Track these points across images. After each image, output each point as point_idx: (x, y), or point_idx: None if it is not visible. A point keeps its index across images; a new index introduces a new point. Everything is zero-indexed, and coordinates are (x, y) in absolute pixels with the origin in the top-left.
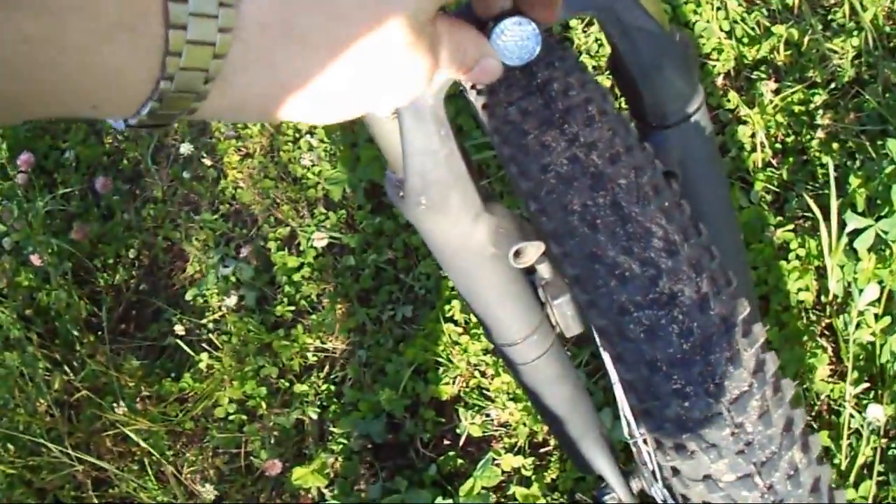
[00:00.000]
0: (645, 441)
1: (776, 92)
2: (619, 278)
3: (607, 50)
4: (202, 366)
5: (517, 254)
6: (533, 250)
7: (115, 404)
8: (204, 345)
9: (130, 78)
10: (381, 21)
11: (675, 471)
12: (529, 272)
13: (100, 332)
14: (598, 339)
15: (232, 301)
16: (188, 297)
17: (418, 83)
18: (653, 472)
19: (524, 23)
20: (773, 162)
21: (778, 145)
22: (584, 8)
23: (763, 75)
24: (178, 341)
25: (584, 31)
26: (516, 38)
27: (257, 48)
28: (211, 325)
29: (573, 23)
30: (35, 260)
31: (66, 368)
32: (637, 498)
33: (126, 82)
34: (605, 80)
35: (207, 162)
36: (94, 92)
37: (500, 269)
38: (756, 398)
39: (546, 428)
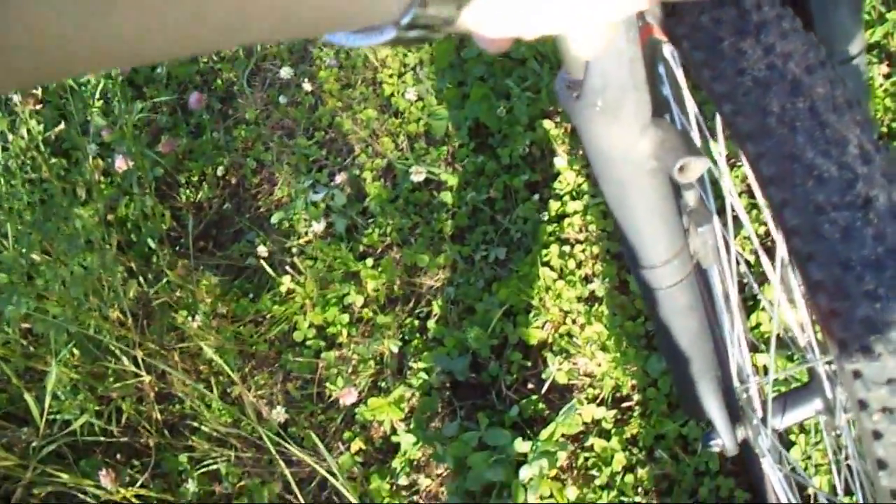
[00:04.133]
0: (760, 389)
1: (887, 76)
2: (817, 179)
3: None
4: (283, 289)
5: (682, 168)
6: (699, 165)
7: (189, 318)
8: (287, 268)
9: None
10: None
11: (857, 374)
12: (678, 196)
13: (178, 248)
14: (728, 275)
15: (320, 227)
16: (273, 220)
17: None
18: (762, 420)
19: None
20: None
21: (884, 129)
22: None
23: (874, 59)
24: (261, 262)
25: None
26: None
27: None
28: (295, 250)
29: None
30: (120, 164)
31: (142, 279)
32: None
33: None
34: None
35: (307, 87)
36: None
37: (656, 186)
38: None
39: (631, 382)
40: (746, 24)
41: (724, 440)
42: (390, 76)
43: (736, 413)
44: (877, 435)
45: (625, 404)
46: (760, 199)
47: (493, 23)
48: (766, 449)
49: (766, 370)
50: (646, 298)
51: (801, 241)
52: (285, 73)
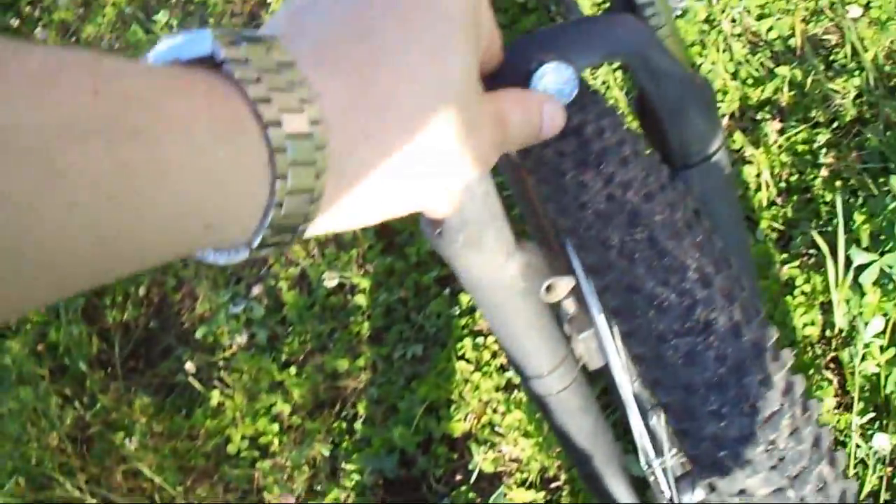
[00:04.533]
0: (663, 470)
1: (780, 132)
2: (658, 308)
3: (615, 94)
4: (213, 403)
5: (548, 288)
6: (563, 285)
7: (126, 440)
8: (215, 382)
9: (238, 190)
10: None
11: (712, 487)
12: (555, 308)
13: (110, 369)
14: (618, 370)
15: (243, 339)
16: (198, 335)
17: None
18: (670, 500)
19: (563, 67)
20: (778, 201)
21: (783, 184)
22: (615, 52)
23: (767, 115)
24: (189, 378)
25: (592, 76)
26: (556, 83)
27: (347, 145)
28: (222, 363)
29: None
30: None
31: (78, 404)
32: None
33: (236, 195)
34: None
35: None
36: (204, 209)
37: (529, 304)
38: (787, 417)
39: (557, 463)
40: (587, 154)
41: None
42: None
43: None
44: None
45: (553, 485)
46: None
47: (344, 223)
48: None
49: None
50: (538, 406)
51: (647, 369)
52: None
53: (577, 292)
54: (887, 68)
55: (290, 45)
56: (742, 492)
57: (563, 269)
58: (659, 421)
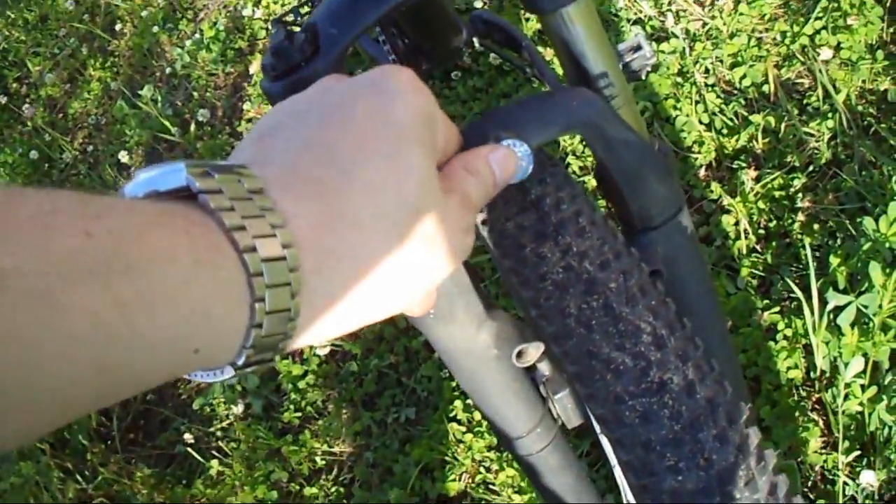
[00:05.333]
0: None
1: (757, 179)
2: (614, 372)
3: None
4: (213, 472)
5: (519, 354)
6: (533, 351)
7: None
8: (213, 452)
9: (221, 314)
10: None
11: None
12: (530, 370)
13: (109, 442)
14: (596, 427)
15: (239, 409)
16: (195, 406)
17: (467, 239)
18: None
19: (518, 144)
20: (758, 247)
21: (761, 231)
22: (570, 126)
23: (743, 164)
24: (188, 449)
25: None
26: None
27: (319, 259)
28: (219, 433)
29: None
30: None
31: (79, 477)
32: None
33: (220, 319)
34: (592, 181)
35: None
36: (191, 334)
37: (503, 369)
38: (742, 468)
39: None
40: (545, 226)
41: None
42: None
43: None
44: None
45: None
46: None
47: (322, 336)
48: None
49: None
50: (522, 466)
51: (607, 429)
52: None
53: (551, 354)
54: (860, 108)
55: (259, 172)
56: None
57: (531, 338)
58: None
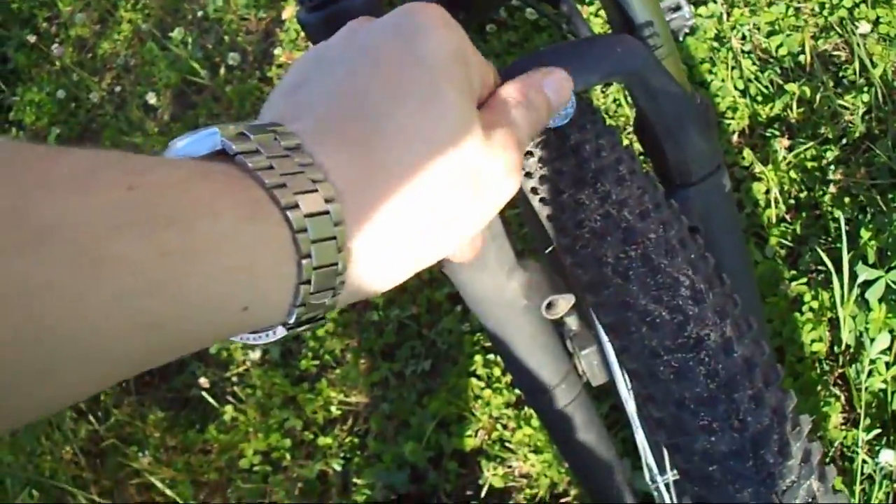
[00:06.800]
0: (667, 486)
1: (789, 149)
2: (650, 325)
3: (625, 111)
4: (227, 418)
5: (549, 306)
6: (563, 303)
7: (140, 454)
8: (228, 397)
9: (268, 271)
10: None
11: (700, 499)
12: (558, 324)
13: (124, 384)
14: (620, 387)
15: (256, 355)
16: (212, 350)
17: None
18: None
19: None
20: (787, 217)
21: (791, 201)
22: (613, 73)
23: (776, 132)
24: (203, 393)
25: (603, 92)
26: None
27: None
28: (235, 379)
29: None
30: None
31: (92, 418)
32: None
33: (266, 275)
34: (627, 140)
35: None
36: (239, 291)
37: (531, 320)
38: (776, 433)
39: (567, 479)
40: (585, 173)
41: None
42: None
43: None
44: None
45: (562, 500)
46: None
47: (371, 289)
48: None
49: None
50: (543, 421)
51: (640, 384)
52: None
53: (580, 309)
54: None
55: (293, 128)
56: None
57: (566, 286)
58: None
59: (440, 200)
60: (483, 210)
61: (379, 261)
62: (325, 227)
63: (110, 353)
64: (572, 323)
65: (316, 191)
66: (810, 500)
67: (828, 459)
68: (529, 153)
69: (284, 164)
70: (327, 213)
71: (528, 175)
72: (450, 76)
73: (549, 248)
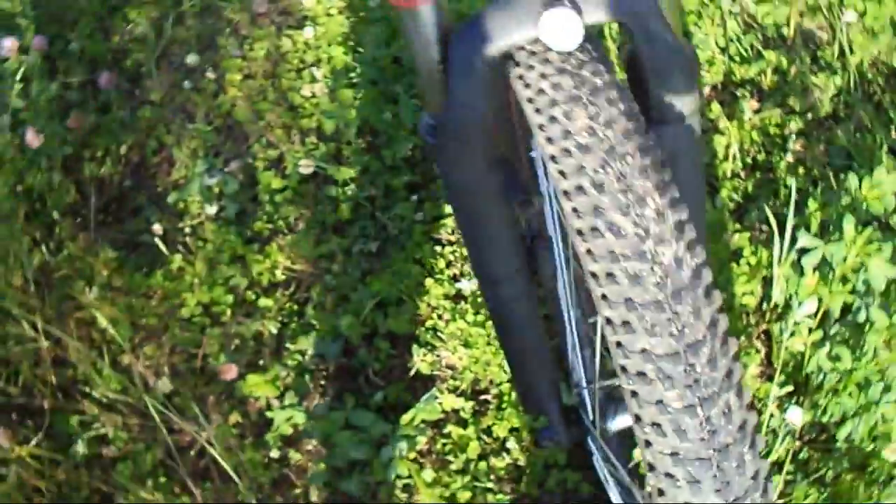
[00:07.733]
0: (591, 394)
1: (756, 111)
2: (616, 233)
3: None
4: (174, 266)
5: (522, 203)
6: (537, 203)
7: (87, 289)
8: (179, 247)
9: None
10: None
11: (634, 393)
12: (526, 223)
13: (80, 220)
14: (563, 298)
15: (212, 210)
16: (170, 199)
17: None
18: (592, 422)
19: (572, 14)
20: (741, 174)
21: (749, 160)
22: (620, 13)
23: (747, 94)
24: (155, 239)
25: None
26: (564, 25)
27: None
28: (188, 230)
29: None
30: (31, 139)
31: (45, 249)
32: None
33: None
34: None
35: (210, 75)
36: None
37: (503, 213)
38: (707, 346)
39: (490, 377)
40: (580, 90)
41: (560, 436)
42: (289, 71)
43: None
44: (647, 444)
45: (483, 397)
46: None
47: None
48: (594, 448)
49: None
50: (490, 311)
51: (598, 285)
52: (191, 59)
53: (541, 212)
54: (870, 75)
55: None
56: (659, 402)
57: (534, 188)
58: (593, 351)
59: None
60: None
61: None
62: None
63: None
64: (534, 223)
65: None
66: (726, 411)
67: None
68: (531, 66)
69: None
70: None
71: (527, 86)
72: None
73: (531, 152)
